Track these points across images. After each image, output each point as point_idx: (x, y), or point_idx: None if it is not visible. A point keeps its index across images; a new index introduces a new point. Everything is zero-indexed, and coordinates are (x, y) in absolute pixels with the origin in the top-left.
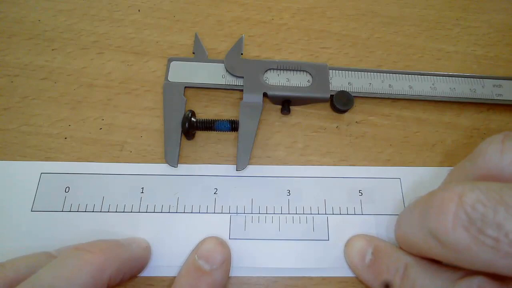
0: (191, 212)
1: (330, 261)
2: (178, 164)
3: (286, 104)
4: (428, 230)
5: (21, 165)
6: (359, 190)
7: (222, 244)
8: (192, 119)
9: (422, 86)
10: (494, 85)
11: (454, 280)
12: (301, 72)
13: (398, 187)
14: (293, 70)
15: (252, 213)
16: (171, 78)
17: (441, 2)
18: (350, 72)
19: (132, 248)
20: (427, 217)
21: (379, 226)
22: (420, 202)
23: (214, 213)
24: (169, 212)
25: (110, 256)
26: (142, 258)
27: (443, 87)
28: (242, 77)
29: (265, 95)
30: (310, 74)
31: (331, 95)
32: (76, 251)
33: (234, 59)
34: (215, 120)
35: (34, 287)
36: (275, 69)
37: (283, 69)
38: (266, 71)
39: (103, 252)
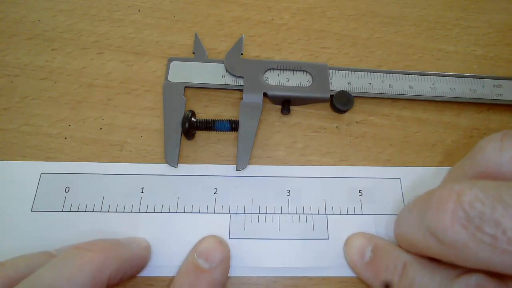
0: (191, 212)
1: (329, 260)
2: (178, 164)
3: (286, 104)
4: (427, 228)
5: (21, 165)
6: (359, 190)
7: (221, 242)
8: (192, 119)
9: (422, 86)
10: (494, 85)
11: (453, 278)
12: (301, 72)
13: (398, 187)
14: (293, 70)
15: (252, 213)
16: (171, 78)
17: (441, 2)
18: (350, 72)
19: (132, 248)
20: (425, 215)
21: (379, 226)
22: (418, 200)
23: (214, 213)
24: (169, 212)
25: (110, 255)
26: (142, 258)
27: (443, 87)
28: (242, 77)
29: (265, 95)
30: (310, 74)
31: (331, 95)
32: (76, 250)
33: (234, 59)
34: (215, 120)
35: (35, 286)
36: (275, 69)
37: (283, 69)
38: (266, 71)
39: (103, 251)
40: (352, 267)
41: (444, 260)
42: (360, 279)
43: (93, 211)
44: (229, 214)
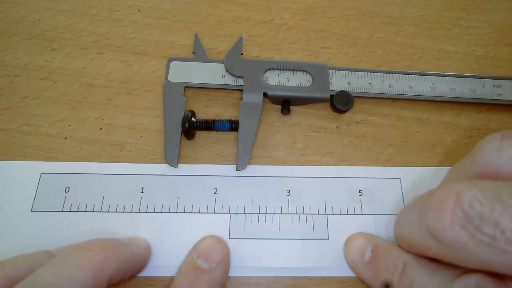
0: (191, 212)
1: (329, 260)
2: (178, 164)
3: (286, 104)
4: (426, 228)
5: (21, 165)
6: (359, 190)
7: (221, 242)
8: (192, 119)
9: (422, 86)
10: (494, 85)
11: (453, 278)
12: (301, 72)
13: (398, 187)
14: (293, 70)
15: (252, 213)
16: (171, 78)
17: (441, 2)
18: (350, 72)
19: (132, 247)
20: (425, 216)
21: (379, 226)
22: (418, 200)
23: (214, 213)
24: (169, 212)
25: (110, 255)
26: (142, 258)
27: (443, 87)
28: (242, 77)
29: (265, 95)
30: (310, 74)
31: (331, 95)
32: (76, 249)
33: (234, 59)
34: (215, 120)
35: (35, 285)
36: (275, 69)
37: (283, 69)
38: (266, 71)
39: (103, 251)
40: (352, 267)
41: (444, 260)
42: (360, 279)
43: (93, 211)
44: (229, 214)
